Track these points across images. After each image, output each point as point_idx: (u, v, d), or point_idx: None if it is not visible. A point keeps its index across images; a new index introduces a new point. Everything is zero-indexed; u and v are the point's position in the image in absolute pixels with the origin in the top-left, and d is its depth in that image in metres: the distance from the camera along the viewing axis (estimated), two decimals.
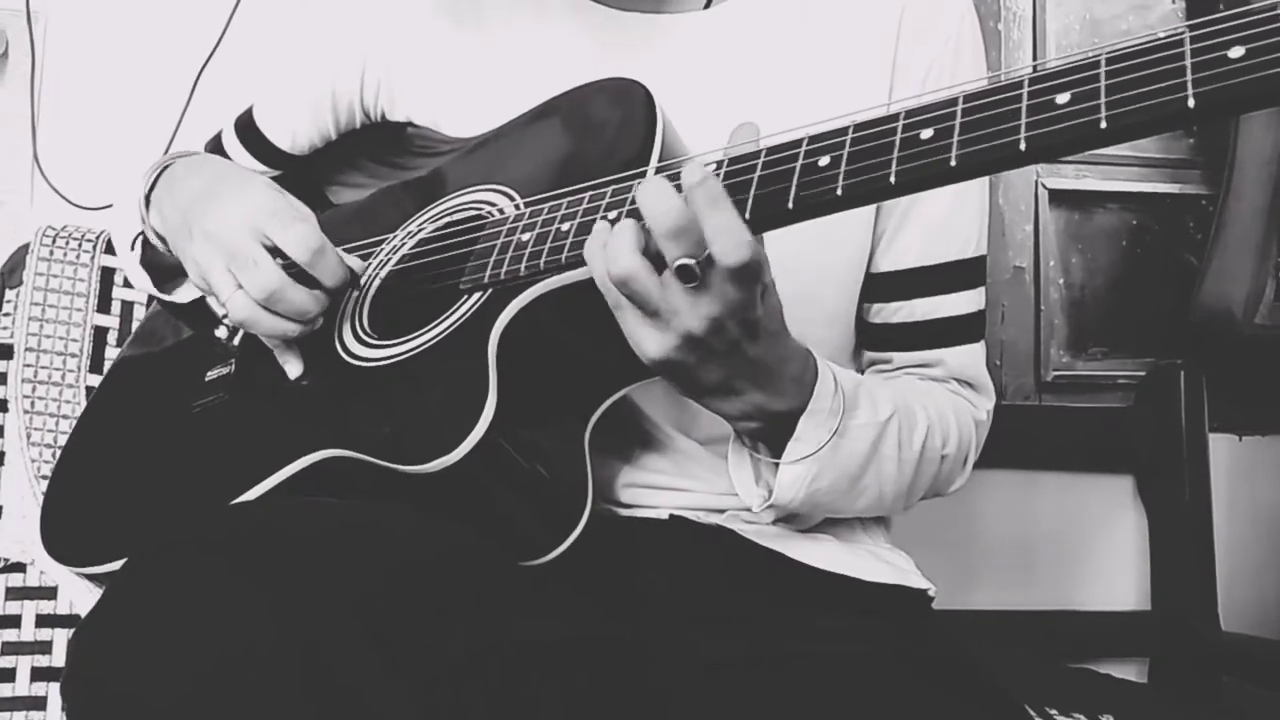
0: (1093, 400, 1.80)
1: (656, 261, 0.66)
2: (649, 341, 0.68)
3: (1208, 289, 1.71)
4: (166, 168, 0.94)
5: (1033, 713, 1.14)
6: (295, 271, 0.80)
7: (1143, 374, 1.76)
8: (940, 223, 0.90)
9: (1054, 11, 1.83)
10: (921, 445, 0.85)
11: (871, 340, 0.94)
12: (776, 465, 0.77)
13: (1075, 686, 1.35)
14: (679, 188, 0.64)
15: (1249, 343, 1.70)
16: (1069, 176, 1.82)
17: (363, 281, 0.87)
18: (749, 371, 0.71)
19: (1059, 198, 1.82)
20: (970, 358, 0.93)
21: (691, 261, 0.64)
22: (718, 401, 0.73)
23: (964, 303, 0.92)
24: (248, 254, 0.79)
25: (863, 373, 0.95)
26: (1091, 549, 1.77)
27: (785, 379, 0.73)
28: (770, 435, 0.77)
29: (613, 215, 0.71)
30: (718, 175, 0.67)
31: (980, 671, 0.81)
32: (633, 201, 0.68)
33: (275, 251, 0.80)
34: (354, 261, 0.84)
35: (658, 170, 0.73)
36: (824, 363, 0.77)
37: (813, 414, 0.75)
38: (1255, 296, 1.66)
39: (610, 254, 0.66)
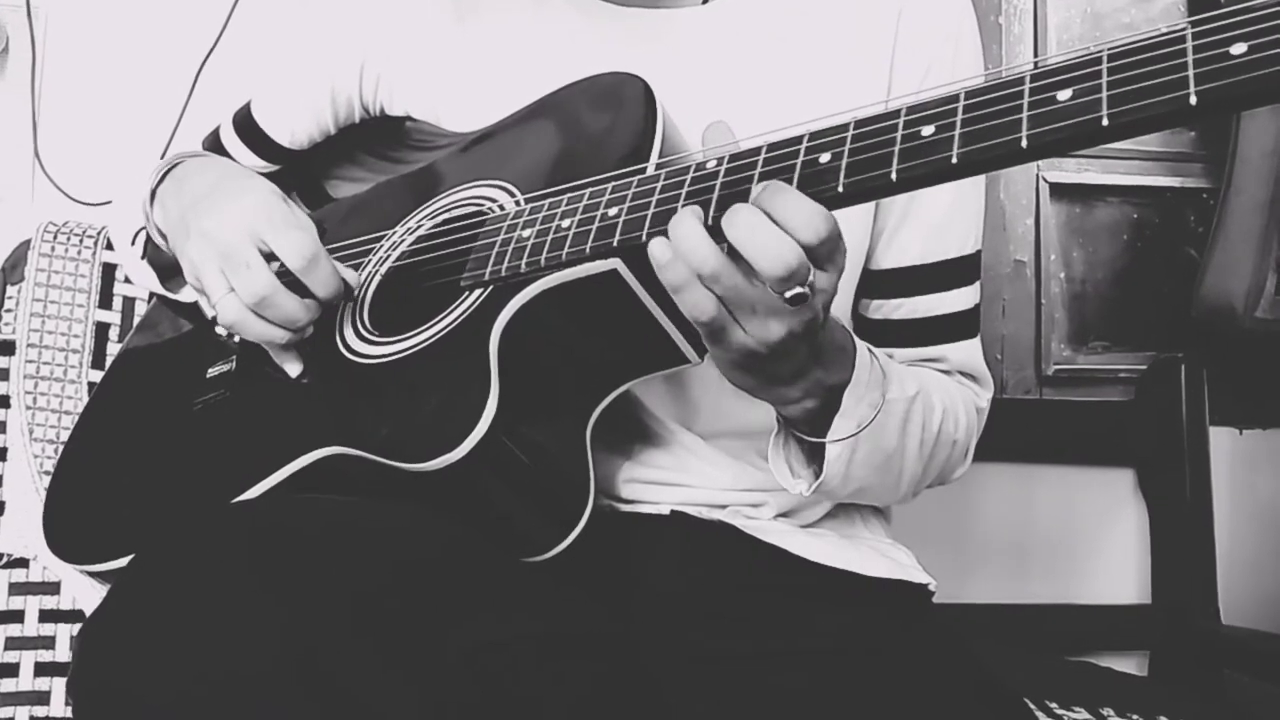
0: (1094, 394, 1.80)
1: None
2: (742, 350, 0.66)
3: (1209, 283, 1.71)
4: (175, 165, 0.94)
5: (1033, 706, 1.14)
6: (290, 279, 0.79)
7: (1144, 368, 1.76)
8: (941, 220, 0.90)
9: (1055, 5, 1.82)
10: (938, 428, 0.85)
11: (872, 336, 0.94)
12: (809, 452, 0.77)
13: (1076, 680, 1.35)
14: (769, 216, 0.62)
15: (1250, 336, 1.70)
16: (1070, 170, 1.82)
17: (356, 292, 0.87)
18: (817, 349, 0.70)
19: (1060, 191, 1.82)
20: (970, 351, 0.94)
21: (804, 289, 0.62)
22: (783, 388, 0.72)
23: (963, 298, 0.92)
24: (241, 257, 0.79)
25: None
26: (1092, 542, 1.77)
27: (835, 348, 0.73)
28: (820, 413, 0.75)
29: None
30: (718, 172, 0.67)
31: (981, 665, 0.81)
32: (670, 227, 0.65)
33: (271, 257, 0.79)
34: (349, 274, 0.84)
35: (658, 167, 0.73)
36: (853, 335, 0.77)
37: (855, 386, 0.74)
38: (1256, 290, 1.66)
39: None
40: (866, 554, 0.89)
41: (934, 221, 0.90)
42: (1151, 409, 1.71)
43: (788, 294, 0.62)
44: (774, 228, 0.61)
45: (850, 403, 0.74)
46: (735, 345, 0.66)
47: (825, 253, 0.62)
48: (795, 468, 0.79)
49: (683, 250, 0.63)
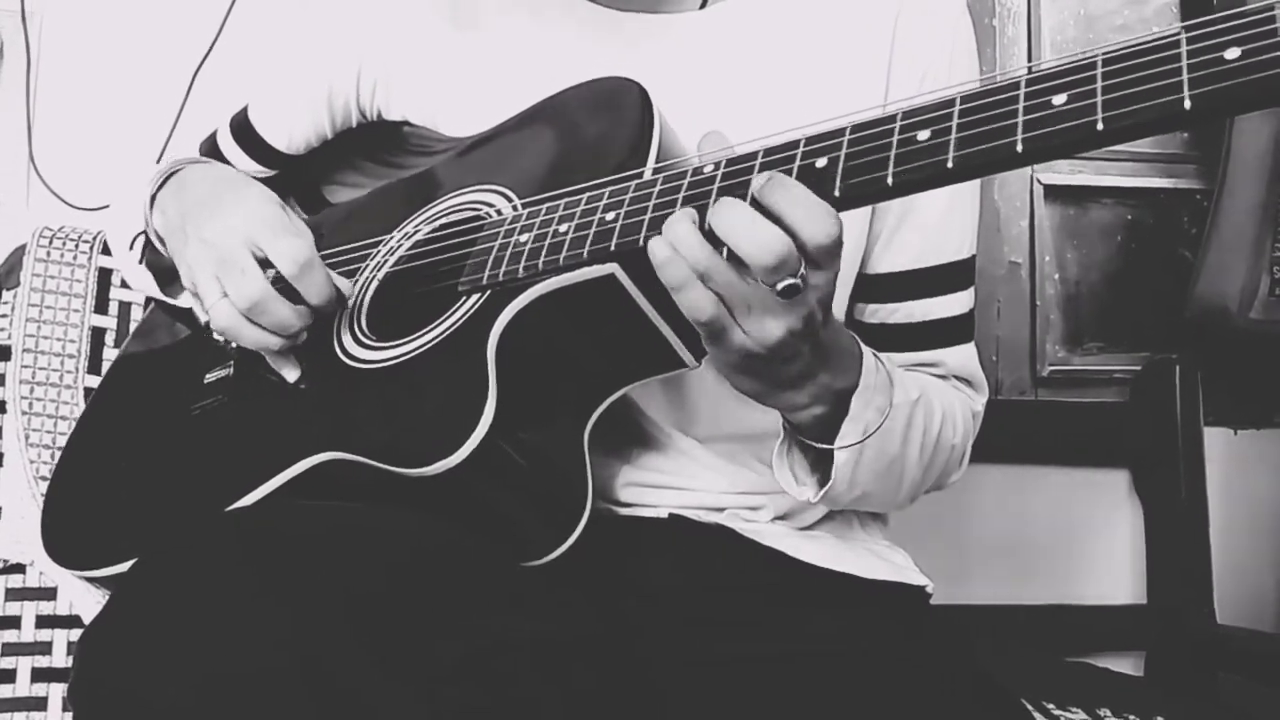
0: (1088, 395, 1.81)
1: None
2: (742, 351, 0.66)
3: (1203, 284, 1.71)
4: (176, 171, 0.94)
5: (1030, 707, 1.14)
6: (284, 286, 0.79)
7: (1138, 369, 1.77)
8: (937, 224, 0.91)
9: (1049, 7, 1.83)
10: (938, 432, 0.85)
11: (867, 341, 0.93)
12: (814, 459, 0.77)
13: (1072, 680, 1.35)
14: (751, 202, 0.62)
15: (1244, 337, 1.71)
16: (1064, 172, 1.82)
17: (350, 301, 0.87)
18: (822, 352, 0.70)
19: (1054, 193, 1.83)
20: (965, 356, 0.94)
21: (795, 280, 0.62)
22: (790, 394, 0.72)
23: (959, 303, 0.93)
24: (236, 262, 0.79)
25: None
26: (1088, 543, 1.78)
27: (842, 352, 0.73)
28: (827, 419, 0.75)
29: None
30: (715, 176, 0.67)
31: (978, 667, 0.82)
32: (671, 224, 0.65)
33: (266, 263, 0.79)
34: (343, 283, 0.84)
35: (655, 172, 0.73)
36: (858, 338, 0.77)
37: (863, 390, 0.74)
38: (1250, 291, 1.67)
39: (692, 300, 0.63)
40: (864, 556, 0.90)
41: (930, 226, 0.90)
42: (1146, 410, 1.72)
43: (779, 285, 0.62)
44: (760, 219, 0.61)
45: (858, 407, 0.74)
46: (735, 347, 0.67)
47: (825, 249, 0.62)
48: (799, 475, 0.79)
49: (681, 249, 0.64)
